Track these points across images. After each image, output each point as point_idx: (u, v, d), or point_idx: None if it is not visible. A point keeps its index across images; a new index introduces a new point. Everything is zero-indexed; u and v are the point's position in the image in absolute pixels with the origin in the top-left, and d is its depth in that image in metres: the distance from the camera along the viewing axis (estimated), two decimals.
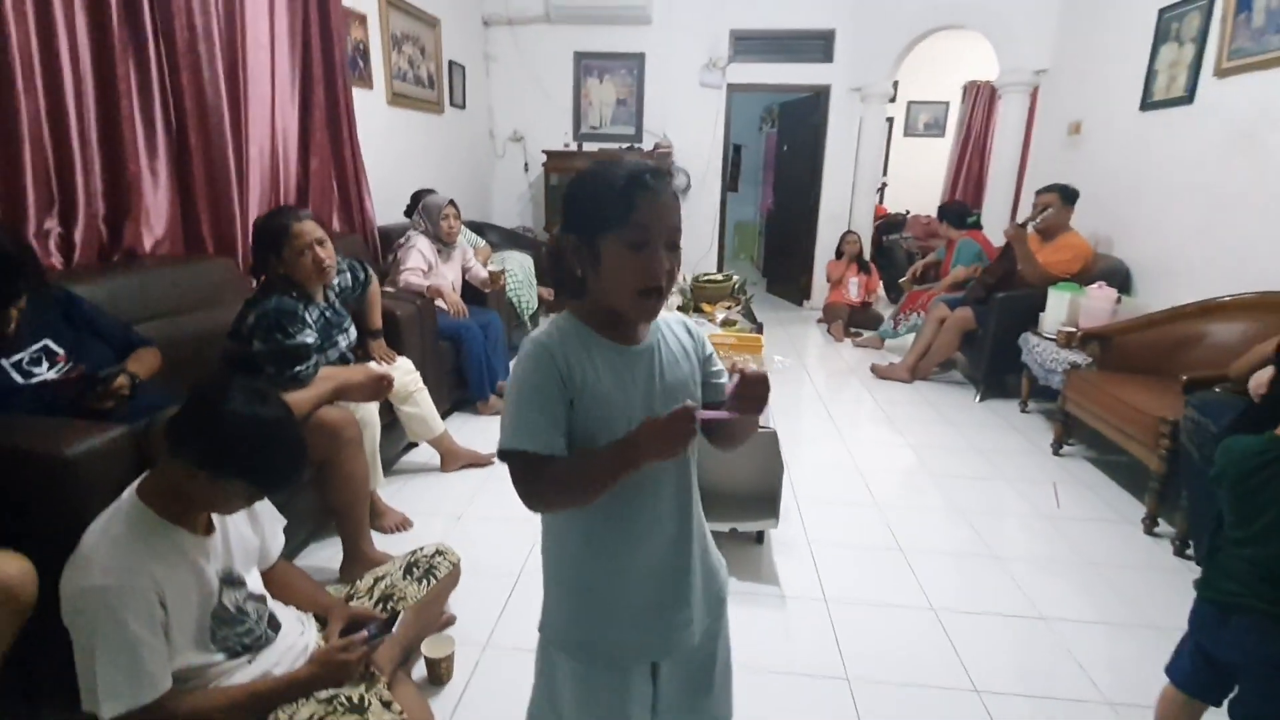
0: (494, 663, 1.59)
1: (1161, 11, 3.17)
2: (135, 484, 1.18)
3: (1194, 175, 2.95)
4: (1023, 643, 1.74)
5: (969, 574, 2.03)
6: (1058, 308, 3.10)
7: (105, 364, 1.59)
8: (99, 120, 2.04)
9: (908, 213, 6.84)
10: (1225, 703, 1.14)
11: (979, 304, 3.60)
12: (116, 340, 1.67)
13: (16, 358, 1.42)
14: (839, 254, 5.29)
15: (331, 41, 3.13)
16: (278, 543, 1.44)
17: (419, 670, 1.52)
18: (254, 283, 2.08)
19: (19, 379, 1.41)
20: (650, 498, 0.89)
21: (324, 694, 1.24)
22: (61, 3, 1.86)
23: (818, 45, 5.34)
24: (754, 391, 0.80)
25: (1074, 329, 2.92)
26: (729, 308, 3.34)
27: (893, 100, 6.80)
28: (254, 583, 1.33)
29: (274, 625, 1.32)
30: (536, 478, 0.82)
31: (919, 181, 7.29)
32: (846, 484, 2.60)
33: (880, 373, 3.97)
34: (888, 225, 6.53)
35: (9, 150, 1.76)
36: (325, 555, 1.94)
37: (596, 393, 0.83)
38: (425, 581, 1.60)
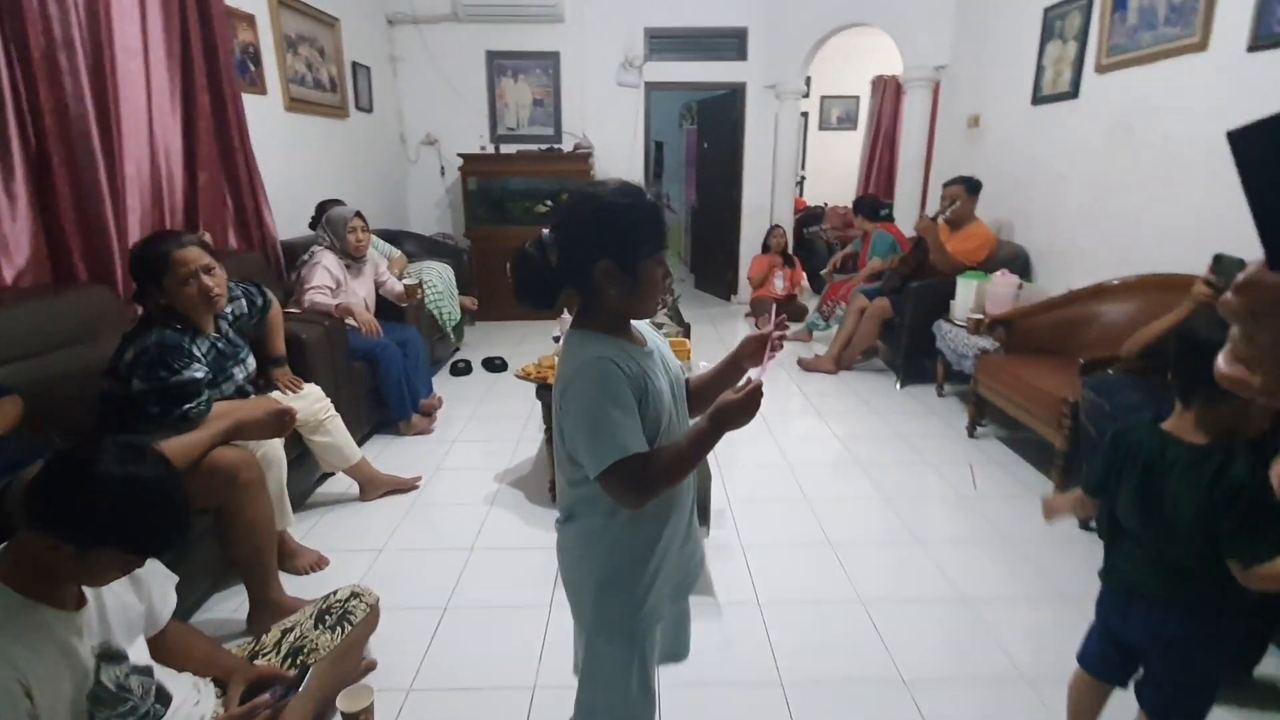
0: (419, 706, 1.50)
1: (1046, 10, 3.34)
2: None
3: (1081, 165, 3.13)
4: (947, 627, 1.79)
5: (895, 562, 2.08)
6: (966, 295, 3.23)
7: None
8: None
9: (825, 205, 7.03)
10: (1131, 684, 1.19)
11: (895, 294, 3.72)
12: None
13: None
14: (765, 248, 5.36)
15: (215, 45, 2.90)
16: (168, 604, 1.31)
17: None
18: (139, 310, 1.90)
19: None
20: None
21: None
22: None
23: (731, 43, 5.39)
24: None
25: (981, 315, 3.05)
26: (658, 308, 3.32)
27: (806, 95, 6.98)
28: (138, 653, 1.21)
29: (163, 699, 1.20)
30: (645, 475, 0.91)
31: (835, 174, 7.51)
32: (778, 481, 2.63)
33: (807, 365, 4.06)
34: (808, 218, 6.69)
35: None
36: (230, 606, 1.80)
37: (651, 391, 0.95)
38: (340, 629, 1.50)
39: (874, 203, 4.62)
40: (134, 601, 1.22)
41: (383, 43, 5.15)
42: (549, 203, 5.37)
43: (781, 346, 1.08)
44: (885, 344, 3.95)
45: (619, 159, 5.58)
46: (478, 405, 3.47)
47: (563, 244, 0.96)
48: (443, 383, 3.75)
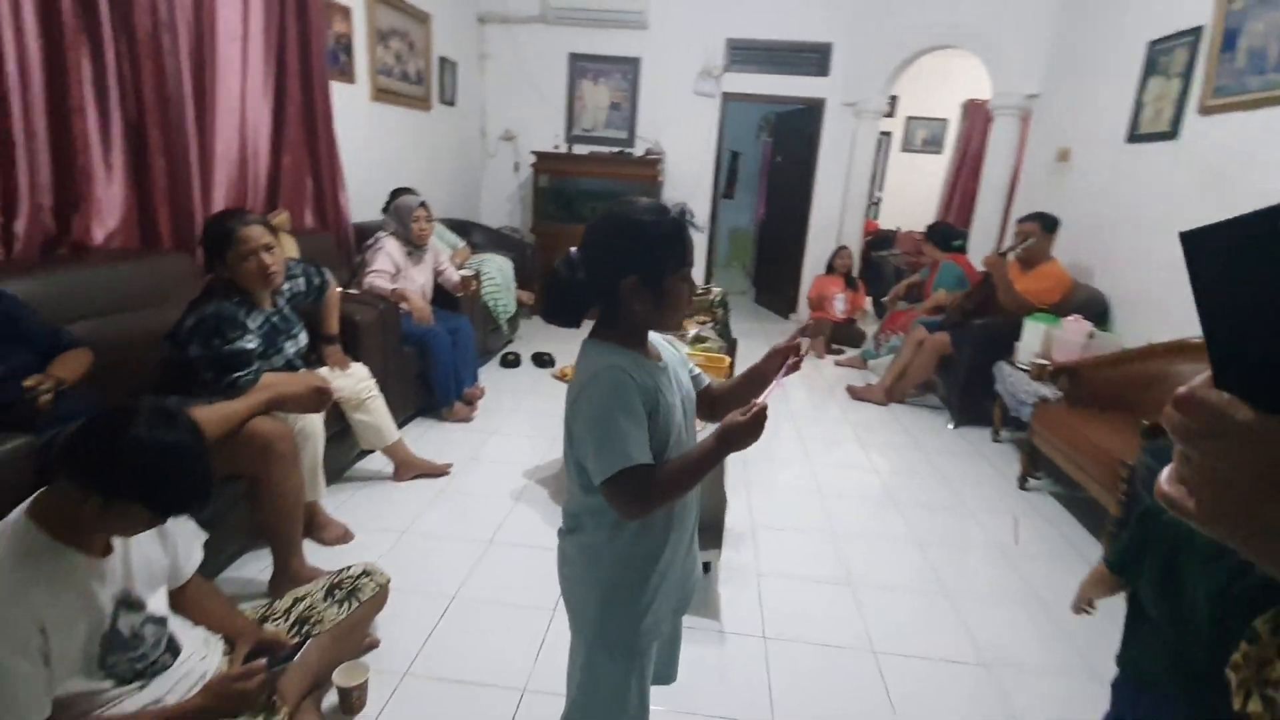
0: (412, 692, 1.54)
1: (1151, 44, 3.12)
2: (27, 502, 1.13)
3: (1175, 211, 2.91)
4: (962, 691, 1.70)
5: (916, 612, 1.99)
6: (1032, 338, 3.06)
7: (28, 367, 1.54)
8: (48, 111, 1.99)
9: (898, 229, 6.80)
10: None
11: (956, 329, 3.56)
12: (41, 341, 1.61)
13: None
14: (829, 268, 5.24)
15: (310, 35, 3.08)
16: (192, 561, 1.39)
17: (331, 698, 1.47)
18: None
19: None
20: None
21: None
22: None
23: (813, 58, 5.29)
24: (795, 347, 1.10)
25: (1046, 361, 2.88)
26: (703, 323, 3.30)
27: (890, 115, 6.79)
28: (156, 604, 1.28)
29: (173, 649, 1.28)
30: (647, 486, 0.93)
31: (914, 198, 7.25)
32: (806, 509, 2.56)
33: (856, 394, 3.93)
34: (878, 240, 6.49)
35: None
36: (257, 568, 1.89)
37: (662, 405, 0.98)
38: (347, 604, 1.56)
39: (947, 231, 4.44)
40: (159, 555, 1.31)
41: (472, 40, 5.33)
42: (602, 198, 5.43)
43: (798, 367, 1.10)
44: (941, 380, 3.79)
45: (689, 167, 5.57)
46: (521, 399, 3.54)
47: (590, 261, 0.99)
48: (491, 374, 3.84)
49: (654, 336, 1.08)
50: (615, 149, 5.47)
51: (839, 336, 5.08)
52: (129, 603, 1.22)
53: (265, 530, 1.79)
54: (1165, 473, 0.33)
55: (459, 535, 2.19)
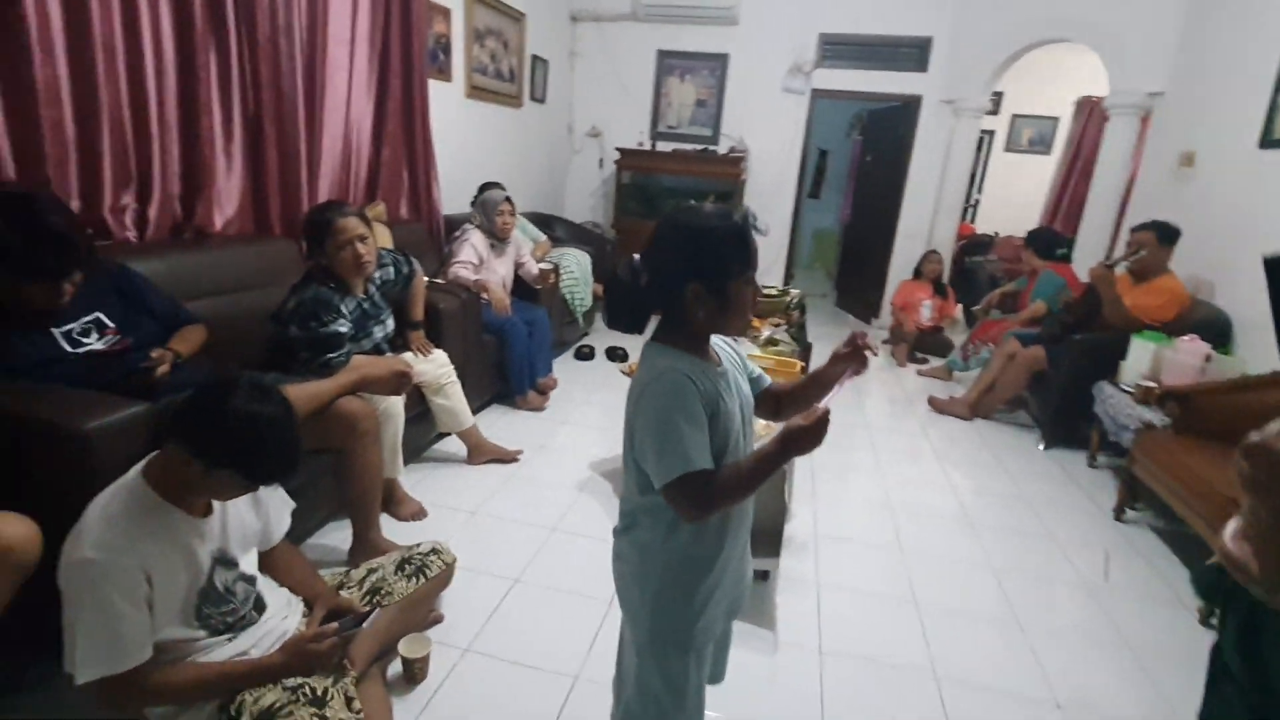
0: (470, 668, 1.61)
1: None
2: (142, 463, 1.26)
3: None
4: None
5: (986, 642, 1.89)
6: (1139, 358, 2.82)
7: (152, 339, 1.72)
8: (179, 106, 2.20)
9: (996, 234, 6.42)
10: None
11: (1054, 343, 3.34)
12: (165, 316, 1.79)
13: (67, 327, 1.55)
14: (917, 273, 5.03)
15: (411, 36, 3.24)
16: (282, 526, 1.51)
17: (396, 667, 1.55)
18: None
19: (67, 347, 1.54)
20: None
21: (291, 682, 1.29)
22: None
23: (911, 54, 5.07)
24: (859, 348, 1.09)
25: (1154, 384, 2.65)
26: (778, 325, 3.24)
27: (993, 113, 6.41)
28: (247, 564, 1.40)
29: (259, 607, 1.39)
30: (708, 491, 0.94)
31: (1017, 201, 6.83)
32: (874, 524, 2.48)
33: (938, 406, 3.76)
34: (973, 245, 6.15)
35: (89, 130, 1.91)
36: (340, 537, 2.02)
37: (722, 410, 0.98)
38: (415, 579, 1.64)
39: (1050, 238, 4.16)
40: (253, 519, 1.42)
41: (564, 38, 5.44)
42: (693, 202, 5.40)
43: (860, 372, 1.10)
44: (1033, 398, 3.56)
45: (773, 165, 5.48)
46: (593, 392, 3.60)
47: (654, 267, 1.01)
48: (565, 366, 3.93)
49: (714, 339, 1.08)
50: (699, 146, 5.45)
51: (923, 345, 4.86)
52: (224, 560, 1.34)
53: (347, 502, 1.92)
54: (1230, 527, 0.31)
55: (525, 520, 2.26)
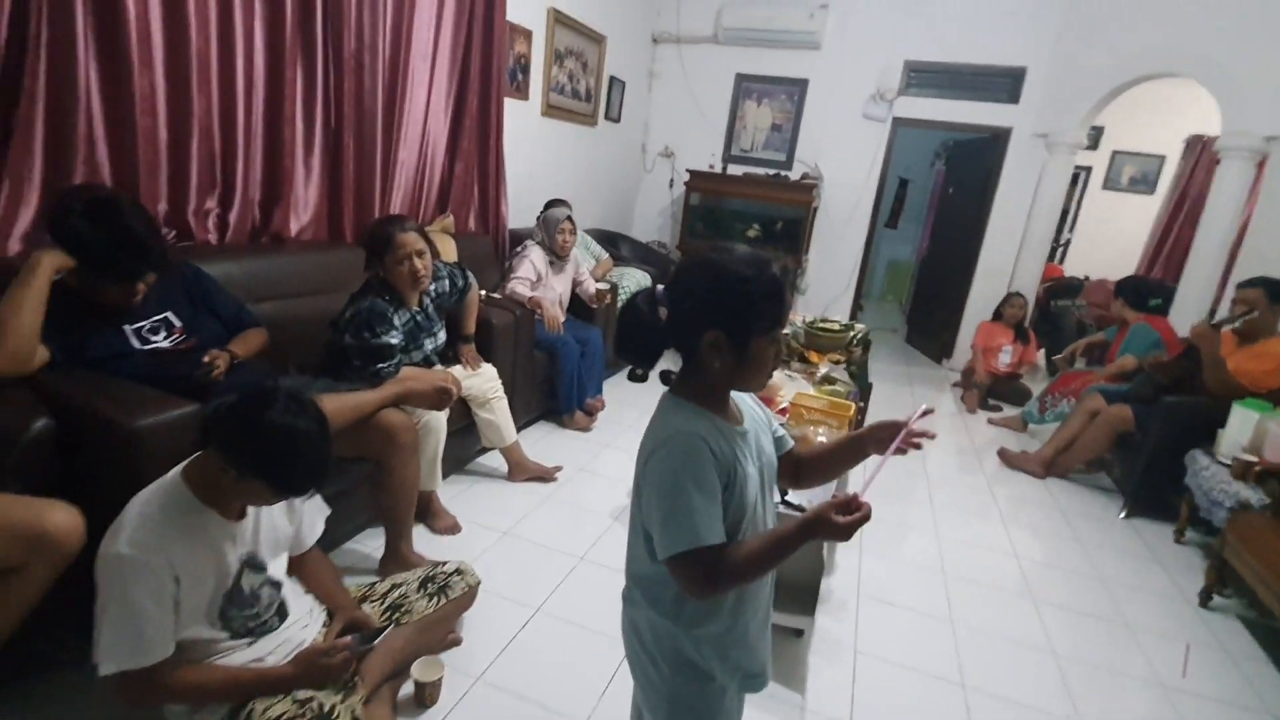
0: (482, 698, 1.59)
1: None
2: (184, 464, 1.30)
3: None
4: None
5: None
6: (1240, 428, 2.54)
7: (215, 339, 1.80)
8: (265, 118, 2.32)
9: (1087, 278, 6.01)
10: None
11: (1143, 403, 3.06)
12: (229, 318, 1.87)
13: (138, 325, 1.64)
14: (997, 315, 4.75)
15: (492, 56, 3.32)
16: (314, 532, 1.53)
17: (408, 688, 1.54)
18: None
19: (136, 344, 1.62)
20: None
21: (301, 695, 1.29)
22: (242, 11, 2.12)
23: (1003, 84, 4.83)
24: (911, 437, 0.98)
25: (1255, 459, 2.38)
26: (837, 362, 3.12)
27: (1092, 147, 6.04)
28: (275, 568, 1.42)
29: (281, 613, 1.41)
30: (716, 569, 0.86)
31: (1114, 243, 6.38)
32: (924, 590, 2.31)
33: (1009, 460, 3.51)
34: (1060, 288, 5.78)
35: (180, 138, 2.04)
36: (373, 545, 2.05)
37: (739, 475, 0.91)
38: (437, 599, 1.64)
39: (1144, 287, 3.84)
40: (285, 524, 1.45)
41: (644, 59, 5.48)
42: (757, 226, 5.33)
43: (916, 446, 1.00)
44: (1117, 461, 3.27)
45: (848, 192, 5.33)
46: (643, 415, 3.53)
47: (675, 304, 0.93)
48: (617, 387, 3.91)
49: (738, 395, 1.01)
50: (771, 171, 5.37)
51: (999, 391, 4.58)
52: (253, 564, 1.36)
53: (382, 511, 1.94)
54: None
55: (556, 546, 2.23)
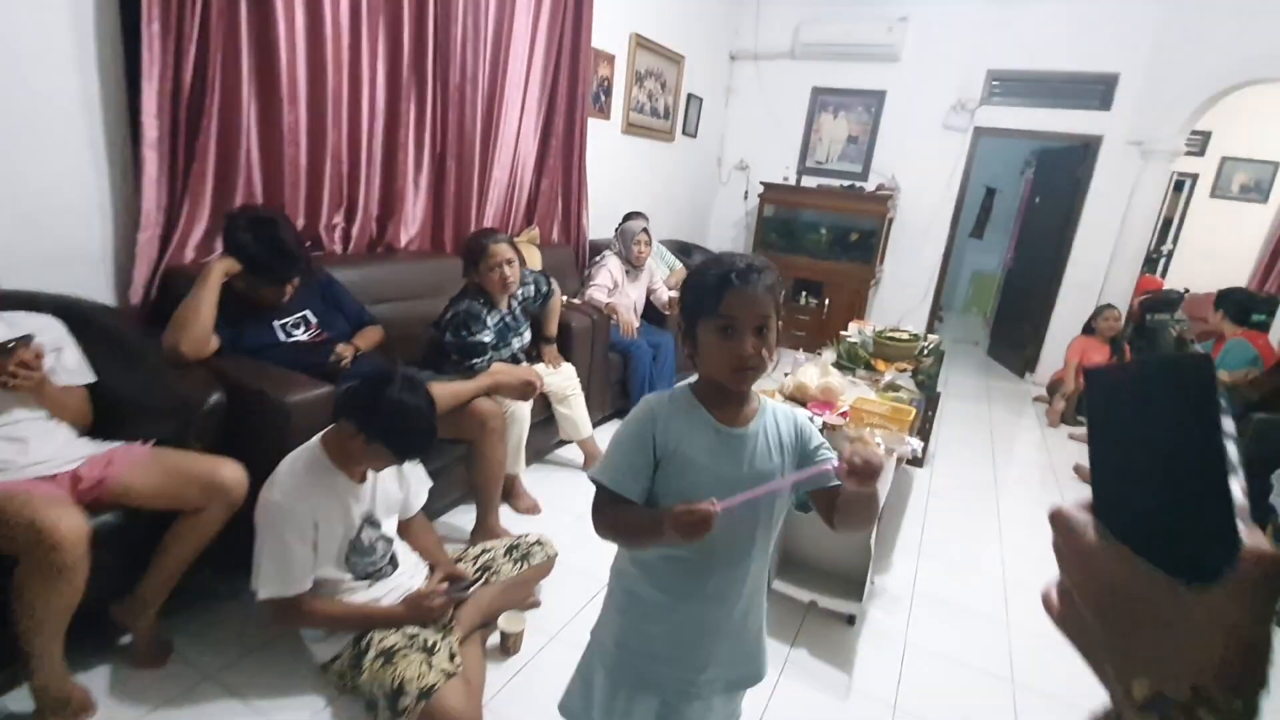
0: (557, 653, 1.79)
1: None
2: (322, 433, 1.59)
3: None
4: None
5: None
6: None
7: (343, 335, 2.11)
8: (384, 145, 2.66)
9: (1186, 291, 5.66)
10: None
11: (1233, 420, 2.93)
12: (353, 317, 2.19)
13: (283, 321, 1.96)
14: (1089, 329, 4.58)
15: (577, 81, 3.60)
16: (419, 500, 1.80)
17: (494, 639, 1.77)
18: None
19: (281, 336, 1.94)
20: (718, 566, 0.98)
21: (410, 630, 1.54)
22: (368, 54, 2.46)
23: (1094, 91, 4.69)
24: (858, 469, 0.86)
25: None
26: (904, 370, 3.16)
27: (1198, 153, 5.72)
28: (388, 527, 1.70)
29: (393, 563, 1.68)
30: (600, 508, 0.98)
31: (1222, 254, 5.98)
32: (982, 593, 2.34)
33: (1086, 477, 3.42)
34: (1157, 301, 5.46)
35: (317, 163, 2.39)
36: (465, 519, 2.31)
37: (685, 460, 0.95)
38: (520, 564, 1.86)
39: (1248, 301, 3.65)
40: (395, 490, 1.72)
41: (721, 76, 5.66)
42: (823, 230, 5.40)
43: (862, 485, 0.88)
44: None
45: (926, 203, 5.29)
46: None
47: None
48: None
49: (787, 412, 1.04)
50: (846, 183, 5.41)
51: (1083, 407, 4.43)
52: (371, 521, 1.63)
53: (474, 488, 2.20)
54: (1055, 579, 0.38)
55: None
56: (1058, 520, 0.36)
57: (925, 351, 3.43)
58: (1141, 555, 0.32)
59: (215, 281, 1.77)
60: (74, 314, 1.66)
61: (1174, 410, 0.32)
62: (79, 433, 1.56)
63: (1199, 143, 5.77)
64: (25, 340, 1.38)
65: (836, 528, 1.01)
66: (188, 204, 2.02)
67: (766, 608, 1.10)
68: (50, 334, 1.56)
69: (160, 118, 1.87)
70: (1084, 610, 0.35)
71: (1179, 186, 6.14)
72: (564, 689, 1.19)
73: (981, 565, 2.53)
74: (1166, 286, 5.83)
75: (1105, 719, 0.35)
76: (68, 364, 1.58)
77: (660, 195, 5.05)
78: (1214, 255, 6.04)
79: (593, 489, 0.98)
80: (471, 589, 1.63)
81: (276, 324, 1.95)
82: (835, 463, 0.93)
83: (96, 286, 1.90)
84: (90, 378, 1.62)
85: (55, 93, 1.74)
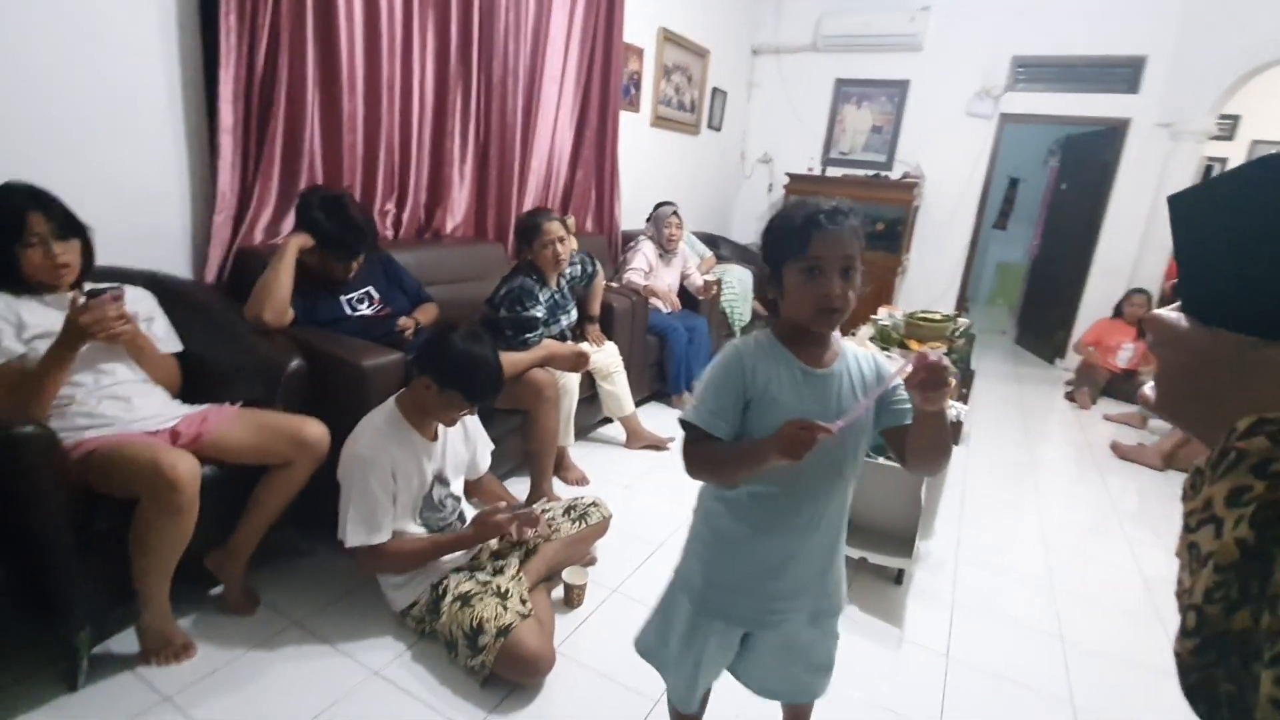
0: (618, 605, 1.87)
1: None
2: (396, 394, 1.68)
3: None
4: None
5: (1140, 689, 1.78)
6: None
7: (403, 310, 2.21)
8: (432, 135, 2.76)
9: None
10: None
11: None
12: (412, 294, 2.29)
13: (349, 295, 2.06)
14: (1118, 312, 4.60)
15: (609, 74, 3.69)
16: (485, 461, 1.89)
17: (558, 592, 1.85)
18: (514, 263, 2.64)
19: (348, 310, 2.05)
20: (804, 500, 1.02)
21: (483, 577, 1.63)
22: (418, 45, 2.57)
23: (1121, 74, 4.69)
24: (927, 377, 0.86)
25: None
26: (937, 348, 3.21)
27: (1225, 138, 5.68)
28: (456, 486, 1.79)
29: (461, 519, 1.77)
30: (692, 450, 1.01)
31: None
32: (1025, 557, 2.39)
33: (1123, 453, 3.44)
34: None
35: (372, 152, 2.49)
36: (519, 488, 2.39)
37: (773, 400, 0.97)
38: (579, 524, 1.95)
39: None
40: (463, 450, 1.81)
41: (744, 70, 5.74)
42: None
43: (934, 399, 0.89)
44: None
45: (952, 191, 5.32)
46: None
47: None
48: None
49: (869, 355, 1.05)
50: (871, 172, 5.45)
51: (1115, 389, 4.44)
52: (441, 479, 1.72)
53: (529, 455, 2.29)
54: (1149, 383, 0.46)
55: (670, 499, 2.50)
56: (1153, 321, 0.44)
57: (957, 332, 3.47)
58: (1225, 329, 0.40)
59: (291, 255, 1.88)
60: (163, 288, 1.78)
61: (1261, 200, 0.39)
62: (171, 396, 1.67)
63: (1229, 127, 5.74)
64: (117, 290, 1.44)
65: (910, 466, 1.01)
66: (259, 188, 2.13)
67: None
68: (144, 305, 1.67)
69: (235, 105, 1.99)
70: (1181, 386, 0.43)
71: (1207, 172, 6.10)
72: (640, 628, 1.24)
73: (1021, 534, 2.57)
74: None
75: (1206, 463, 0.41)
76: (158, 333, 1.69)
77: (686, 187, 5.12)
78: None
79: (681, 434, 1.02)
80: (534, 508, 1.70)
81: (343, 299, 2.05)
82: (909, 368, 0.88)
83: (175, 264, 2.02)
84: (179, 346, 1.73)
85: (142, 82, 1.87)
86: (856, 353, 1.05)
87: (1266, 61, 4.04)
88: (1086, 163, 5.25)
